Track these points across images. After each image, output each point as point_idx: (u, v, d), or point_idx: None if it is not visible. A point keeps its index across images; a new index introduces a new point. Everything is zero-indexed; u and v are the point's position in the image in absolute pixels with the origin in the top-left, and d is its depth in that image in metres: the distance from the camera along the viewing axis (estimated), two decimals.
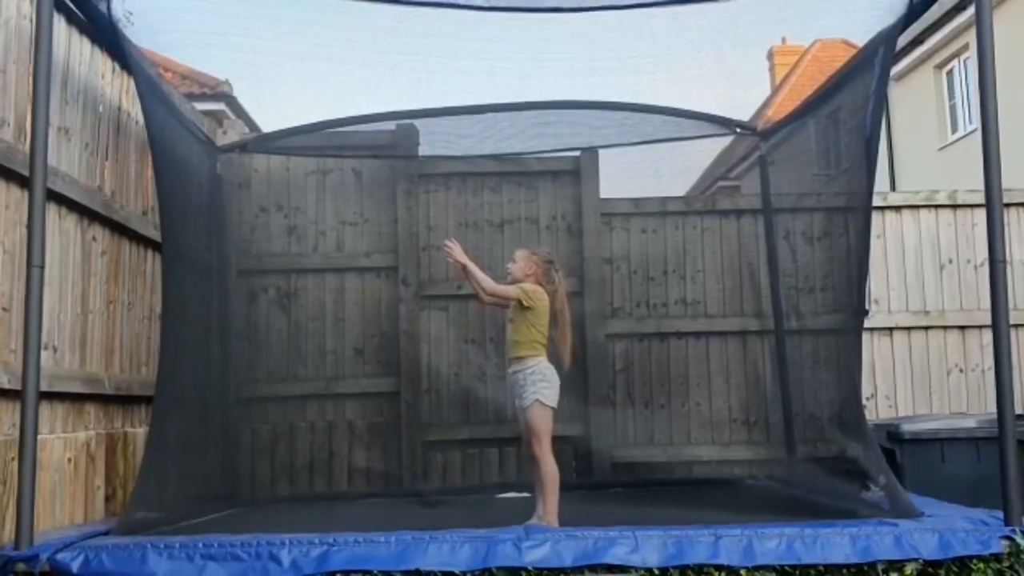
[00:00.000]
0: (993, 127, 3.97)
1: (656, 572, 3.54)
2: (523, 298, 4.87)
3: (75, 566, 3.48)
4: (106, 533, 3.90)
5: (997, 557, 3.64)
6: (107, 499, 4.68)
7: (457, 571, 3.50)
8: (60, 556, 3.49)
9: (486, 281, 4.96)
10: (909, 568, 3.61)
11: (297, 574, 3.48)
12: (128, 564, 3.50)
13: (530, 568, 3.51)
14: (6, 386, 3.74)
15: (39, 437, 3.70)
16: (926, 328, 6.73)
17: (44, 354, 3.90)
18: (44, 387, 3.79)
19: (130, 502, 4.42)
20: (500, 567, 3.51)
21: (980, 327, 6.52)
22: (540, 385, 4.78)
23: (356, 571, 3.50)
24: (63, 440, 4.26)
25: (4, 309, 3.84)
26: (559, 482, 4.71)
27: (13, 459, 3.66)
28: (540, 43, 5.21)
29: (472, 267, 4.95)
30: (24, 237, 3.78)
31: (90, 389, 4.57)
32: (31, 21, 4.00)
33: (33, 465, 3.58)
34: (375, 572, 3.50)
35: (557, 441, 6.37)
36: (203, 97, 10.48)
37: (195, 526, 4.30)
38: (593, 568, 3.53)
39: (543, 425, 4.77)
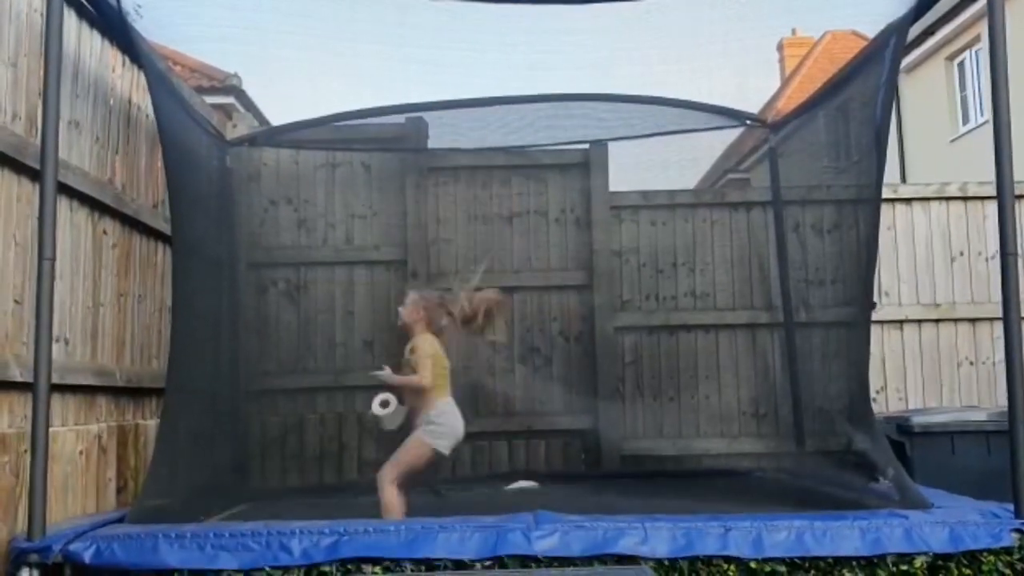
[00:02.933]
0: (1005, 119, 3.96)
1: (665, 563, 3.55)
2: (420, 366, 4.91)
3: (87, 556, 3.50)
4: (120, 521, 3.93)
5: (1008, 550, 3.63)
6: (119, 491, 4.70)
7: (467, 560, 3.51)
8: (72, 547, 3.52)
9: (408, 380, 4.96)
10: (919, 561, 3.60)
11: (308, 562, 3.50)
12: (140, 554, 3.52)
13: (540, 557, 3.52)
14: (18, 378, 3.76)
15: (51, 429, 3.72)
16: (936, 321, 6.71)
17: (55, 347, 3.92)
18: (56, 379, 3.81)
19: (142, 493, 4.45)
20: (510, 556, 3.53)
21: (991, 320, 6.49)
22: (437, 429, 4.84)
23: (366, 560, 3.51)
24: (75, 432, 4.28)
25: (16, 302, 3.86)
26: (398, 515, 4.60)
27: (26, 451, 3.68)
28: (549, 35, 5.20)
29: (394, 380, 4.98)
30: (36, 230, 3.79)
31: (101, 381, 4.59)
32: (42, 15, 4.01)
33: (45, 457, 3.60)
34: (385, 561, 3.51)
35: (561, 435, 6.46)
36: (212, 91, 10.49)
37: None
38: (602, 558, 3.53)
39: (413, 460, 4.80)
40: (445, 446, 4.87)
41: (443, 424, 4.88)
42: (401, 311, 5.16)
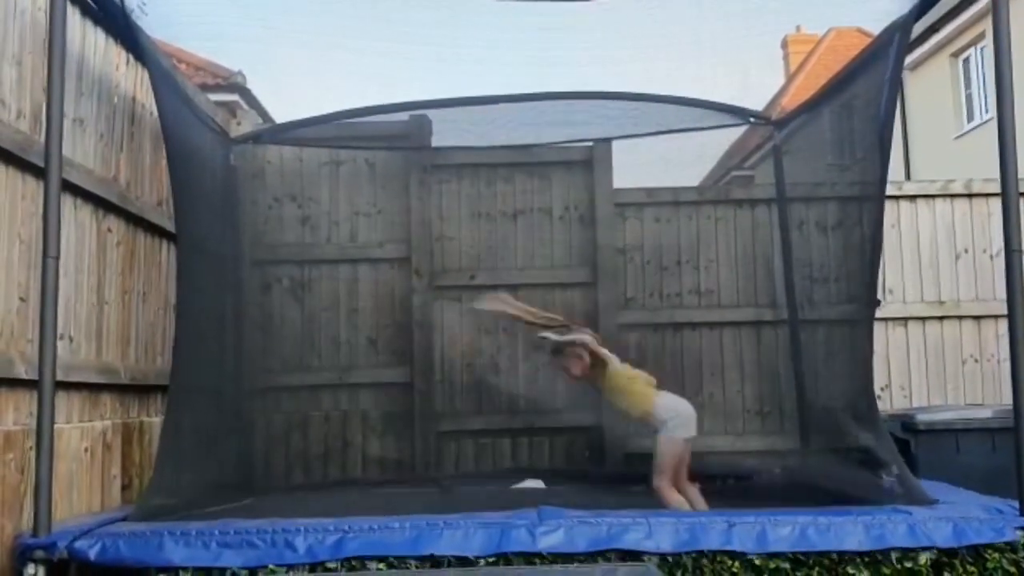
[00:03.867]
0: (1009, 116, 3.95)
1: (669, 558, 3.55)
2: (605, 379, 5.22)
3: (92, 553, 3.51)
4: (123, 520, 3.94)
5: (1012, 546, 3.63)
6: (123, 488, 4.71)
7: (471, 557, 3.52)
8: (78, 544, 3.53)
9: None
10: (923, 557, 3.60)
11: (312, 560, 3.50)
12: (145, 551, 3.54)
13: (544, 554, 3.52)
14: (23, 376, 3.77)
15: (56, 427, 3.73)
16: (941, 318, 6.70)
17: (60, 344, 3.93)
18: (60, 377, 3.81)
19: (146, 490, 4.46)
20: (514, 552, 3.53)
21: (996, 317, 6.47)
22: (671, 422, 5.03)
23: (371, 557, 3.52)
24: (80, 429, 4.29)
25: (21, 299, 3.87)
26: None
27: (31, 448, 3.70)
28: (552, 32, 5.20)
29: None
30: (40, 228, 3.80)
31: (106, 379, 4.61)
32: (46, 12, 4.01)
33: (50, 454, 3.61)
34: (390, 558, 3.52)
35: (565, 433, 6.45)
36: (216, 88, 10.49)
37: (211, 514, 4.32)
38: (607, 554, 3.54)
39: (671, 458, 4.98)
40: (687, 430, 5.06)
41: (672, 416, 5.05)
42: (568, 373, 5.37)
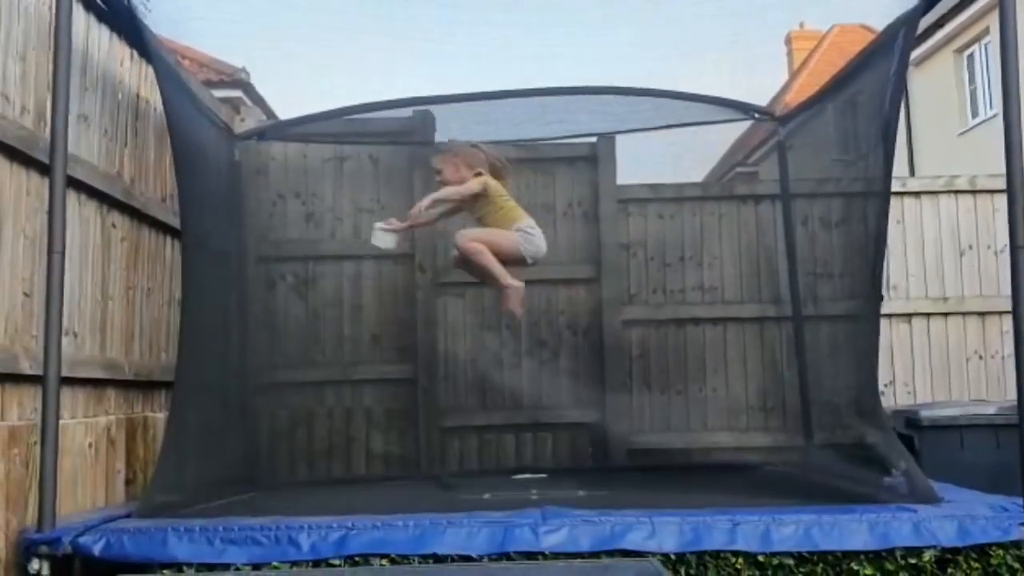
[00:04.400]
0: (1015, 112, 3.93)
1: (673, 557, 3.55)
2: (479, 187, 4.97)
3: (97, 549, 3.52)
4: (127, 516, 3.94)
5: (1017, 544, 3.62)
6: (128, 483, 4.72)
7: (474, 555, 3.52)
8: (82, 539, 3.53)
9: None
10: (927, 555, 3.60)
11: (316, 557, 3.51)
12: (149, 547, 3.54)
13: (547, 553, 3.52)
14: (28, 371, 3.77)
15: (60, 422, 3.74)
16: (945, 315, 6.69)
17: (65, 340, 3.93)
18: (65, 372, 3.82)
19: (151, 486, 4.46)
20: (517, 551, 3.53)
21: (1000, 313, 6.46)
22: (529, 237, 4.97)
23: (374, 555, 3.52)
24: (84, 425, 4.30)
25: (26, 295, 3.88)
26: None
27: (35, 443, 3.70)
28: (556, 28, 5.20)
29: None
30: (45, 224, 3.81)
31: (110, 374, 4.61)
32: (50, 8, 4.01)
33: (55, 449, 3.63)
34: (393, 556, 3.52)
35: (568, 429, 6.45)
36: (221, 84, 10.49)
37: (215, 508, 4.33)
38: (610, 553, 3.54)
39: (497, 239, 4.94)
40: (529, 253, 5.01)
41: (534, 236, 5.00)
42: (441, 176, 5.14)
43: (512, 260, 5.05)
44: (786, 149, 6.47)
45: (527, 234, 5.00)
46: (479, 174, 5.07)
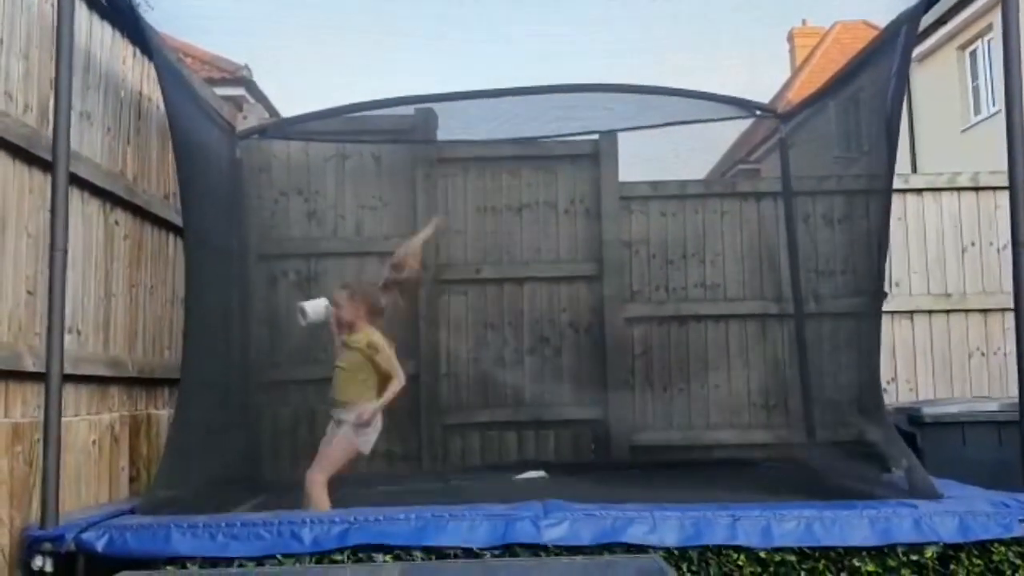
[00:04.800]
0: (1017, 109, 3.94)
1: (675, 552, 3.55)
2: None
3: (100, 545, 3.53)
4: (130, 512, 3.95)
5: (1019, 540, 3.62)
6: (131, 480, 4.73)
7: (476, 548, 3.53)
8: (85, 535, 3.54)
9: (393, 393, 4.86)
10: (929, 551, 3.60)
11: (318, 551, 3.52)
12: (152, 543, 3.55)
13: (549, 546, 3.53)
14: (31, 369, 3.78)
15: (64, 419, 3.75)
16: (947, 311, 6.69)
17: (68, 337, 3.94)
18: (68, 370, 3.84)
19: (154, 482, 4.47)
20: (519, 544, 3.53)
21: (1002, 310, 6.46)
22: (369, 433, 4.80)
23: (376, 548, 3.53)
24: (88, 422, 4.31)
25: (29, 292, 3.89)
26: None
27: (39, 440, 3.71)
28: (558, 26, 5.21)
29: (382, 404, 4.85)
30: (48, 221, 3.81)
31: (113, 372, 4.62)
32: (53, 7, 4.02)
33: (58, 446, 3.64)
34: (395, 549, 3.53)
35: (571, 426, 6.46)
36: (223, 82, 10.48)
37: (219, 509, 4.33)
38: (612, 547, 3.54)
39: (340, 458, 4.79)
40: (366, 447, 4.87)
41: (372, 428, 4.84)
42: (339, 311, 4.99)
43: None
44: (788, 146, 6.47)
45: (366, 433, 4.83)
46: (377, 313, 5.01)
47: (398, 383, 4.84)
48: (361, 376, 4.86)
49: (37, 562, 3.53)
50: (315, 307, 5.05)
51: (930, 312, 6.69)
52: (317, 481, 4.68)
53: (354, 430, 4.77)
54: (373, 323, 4.97)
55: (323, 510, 4.44)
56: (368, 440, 4.84)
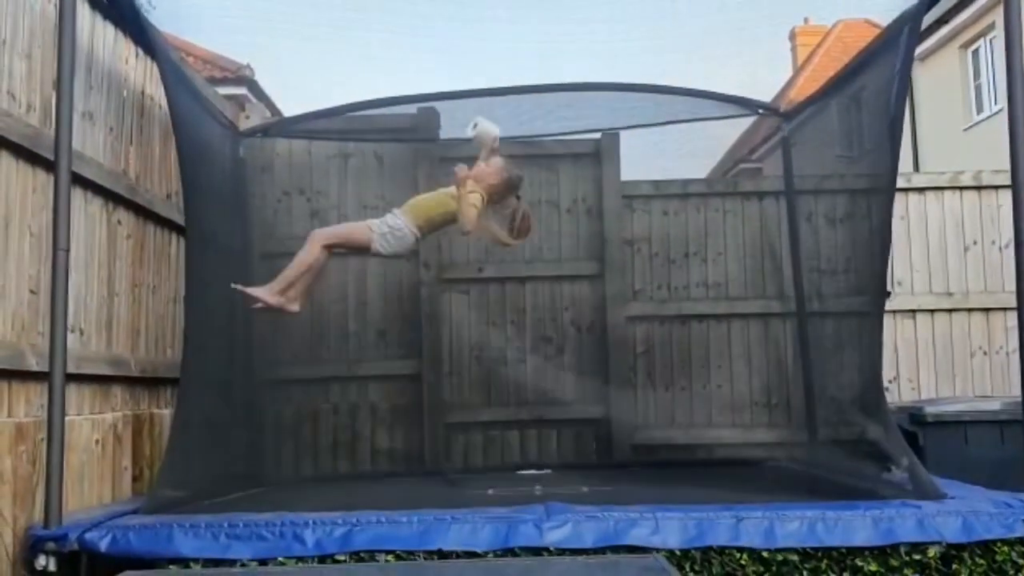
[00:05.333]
0: (1020, 107, 3.94)
1: (677, 553, 3.55)
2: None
3: (103, 545, 3.53)
4: (133, 512, 3.96)
5: (1022, 540, 3.62)
6: (134, 479, 4.73)
7: (479, 551, 3.53)
8: (88, 535, 3.55)
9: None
10: (932, 551, 3.60)
11: (321, 553, 3.52)
12: (155, 543, 3.55)
13: (551, 548, 3.53)
14: (34, 368, 3.79)
15: (67, 418, 3.76)
16: (950, 310, 6.69)
17: (71, 336, 3.95)
18: (71, 369, 3.84)
19: (157, 482, 4.48)
20: (521, 547, 3.54)
21: (1004, 309, 6.46)
22: (392, 237, 5.13)
23: (379, 551, 3.53)
24: (91, 421, 4.32)
25: (32, 292, 3.89)
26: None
27: (42, 440, 3.72)
28: (560, 25, 5.20)
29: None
30: (50, 221, 3.82)
31: (116, 371, 4.63)
32: (56, 6, 4.02)
33: (61, 446, 3.64)
34: (397, 551, 3.53)
35: (573, 425, 6.46)
36: (225, 81, 10.50)
37: (220, 504, 4.34)
38: (614, 549, 3.54)
39: (349, 234, 5.21)
40: (383, 248, 5.16)
41: (399, 238, 5.13)
42: (488, 165, 5.26)
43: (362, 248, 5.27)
44: (790, 145, 6.46)
45: (386, 233, 5.13)
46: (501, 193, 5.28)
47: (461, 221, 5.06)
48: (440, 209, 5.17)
49: (40, 561, 3.53)
50: (490, 128, 5.26)
51: (932, 311, 6.69)
52: (316, 236, 5.08)
53: (388, 226, 5.08)
54: (490, 194, 5.22)
55: (297, 260, 5.02)
56: (387, 244, 5.12)
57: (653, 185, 6.74)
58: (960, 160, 10.66)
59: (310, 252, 5.10)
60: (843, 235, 6.06)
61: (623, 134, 6.58)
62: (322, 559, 3.52)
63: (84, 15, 4.38)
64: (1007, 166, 3.99)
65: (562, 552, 3.51)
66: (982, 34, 14.09)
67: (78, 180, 4.14)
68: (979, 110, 14.47)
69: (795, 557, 3.59)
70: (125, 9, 4.50)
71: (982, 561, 3.61)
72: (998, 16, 4.66)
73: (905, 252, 6.69)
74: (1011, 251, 4.02)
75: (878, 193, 4.88)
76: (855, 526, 3.62)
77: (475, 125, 5.28)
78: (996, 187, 6.64)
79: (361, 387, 6.47)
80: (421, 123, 6.50)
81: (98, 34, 4.59)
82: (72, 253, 3.80)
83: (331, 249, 5.19)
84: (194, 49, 9.20)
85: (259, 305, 5.10)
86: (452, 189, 5.17)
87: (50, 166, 3.85)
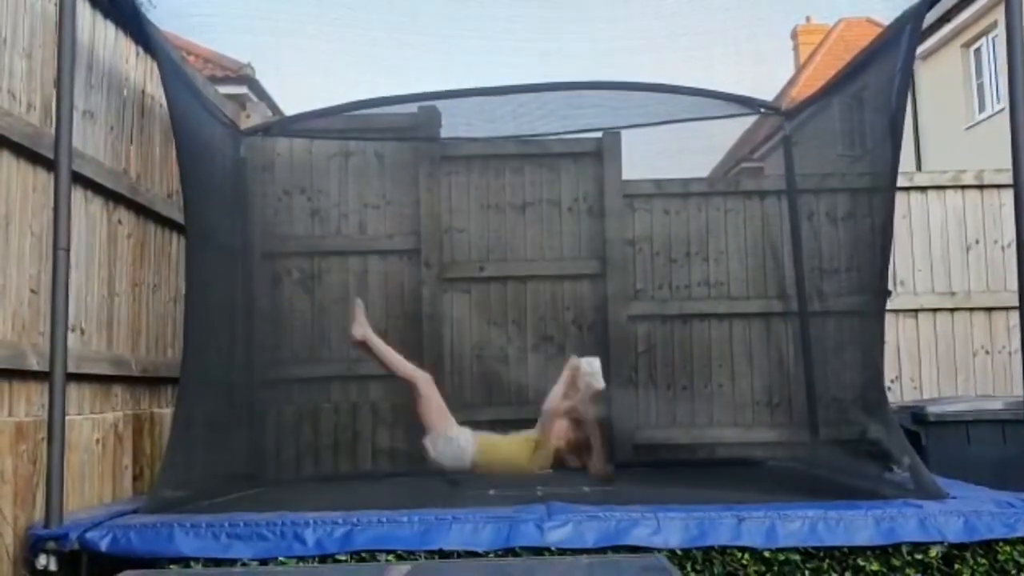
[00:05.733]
0: (1021, 106, 3.93)
1: (679, 552, 3.55)
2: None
3: (104, 544, 3.53)
4: (134, 512, 3.95)
5: None
6: (135, 479, 4.73)
7: (480, 551, 3.52)
8: (89, 535, 3.54)
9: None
10: (934, 551, 3.59)
11: (321, 553, 3.51)
12: (156, 542, 3.55)
13: (552, 548, 3.52)
14: (35, 368, 3.79)
15: (68, 418, 3.75)
16: (952, 310, 6.68)
17: (71, 336, 3.94)
18: (72, 368, 3.83)
19: (157, 482, 4.47)
20: (523, 547, 3.53)
21: (1007, 308, 6.44)
22: (443, 449, 5.60)
23: (380, 551, 3.53)
24: (91, 421, 4.31)
25: (32, 291, 3.89)
26: None
27: (43, 439, 3.72)
28: (561, 23, 5.19)
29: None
30: (51, 220, 3.81)
31: (117, 371, 4.62)
32: (56, 5, 4.02)
33: (61, 445, 3.64)
34: (398, 551, 3.53)
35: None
36: (226, 80, 10.50)
37: (221, 504, 4.34)
38: (616, 549, 3.54)
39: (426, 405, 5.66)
40: (432, 447, 5.59)
41: (456, 455, 5.55)
42: (571, 434, 5.68)
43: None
44: (792, 144, 6.45)
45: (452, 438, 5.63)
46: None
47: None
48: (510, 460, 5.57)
49: (41, 561, 3.53)
50: (598, 381, 5.53)
51: (934, 310, 6.68)
52: (423, 379, 5.66)
53: (455, 437, 5.57)
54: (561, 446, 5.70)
55: (400, 361, 5.69)
56: (441, 448, 5.57)
57: (654, 184, 6.74)
58: (962, 159, 10.66)
59: (409, 373, 5.70)
60: (845, 234, 6.05)
61: (624, 133, 6.58)
62: (323, 559, 3.51)
63: (84, 14, 4.38)
64: (1009, 165, 3.98)
65: (563, 552, 3.51)
66: (984, 33, 14.08)
67: (78, 179, 4.14)
68: (981, 109, 14.46)
69: (797, 557, 3.58)
70: (126, 8, 4.50)
71: (984, 561, 3.60)
72: (1000, 15, 4.65)
73: (907, 251, 6.68)
74: (1013, 250, 4.01)
75: (880, 192, 4.87)
76: (857, 526, 3.61)
77: (591, 363, 5.56)
78: (998, 186, 6.63)
79: (362, 387, 6.47)
80: (422, 122, 6.50)
81: (99, 33, 4.59)
82: (73, 252, 3.80)
83: (423, 392, 5.65)
84: (195, 48, 9.19)
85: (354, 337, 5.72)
86: (533, 433, 5.64)
87: (51, 165, 3.85)
